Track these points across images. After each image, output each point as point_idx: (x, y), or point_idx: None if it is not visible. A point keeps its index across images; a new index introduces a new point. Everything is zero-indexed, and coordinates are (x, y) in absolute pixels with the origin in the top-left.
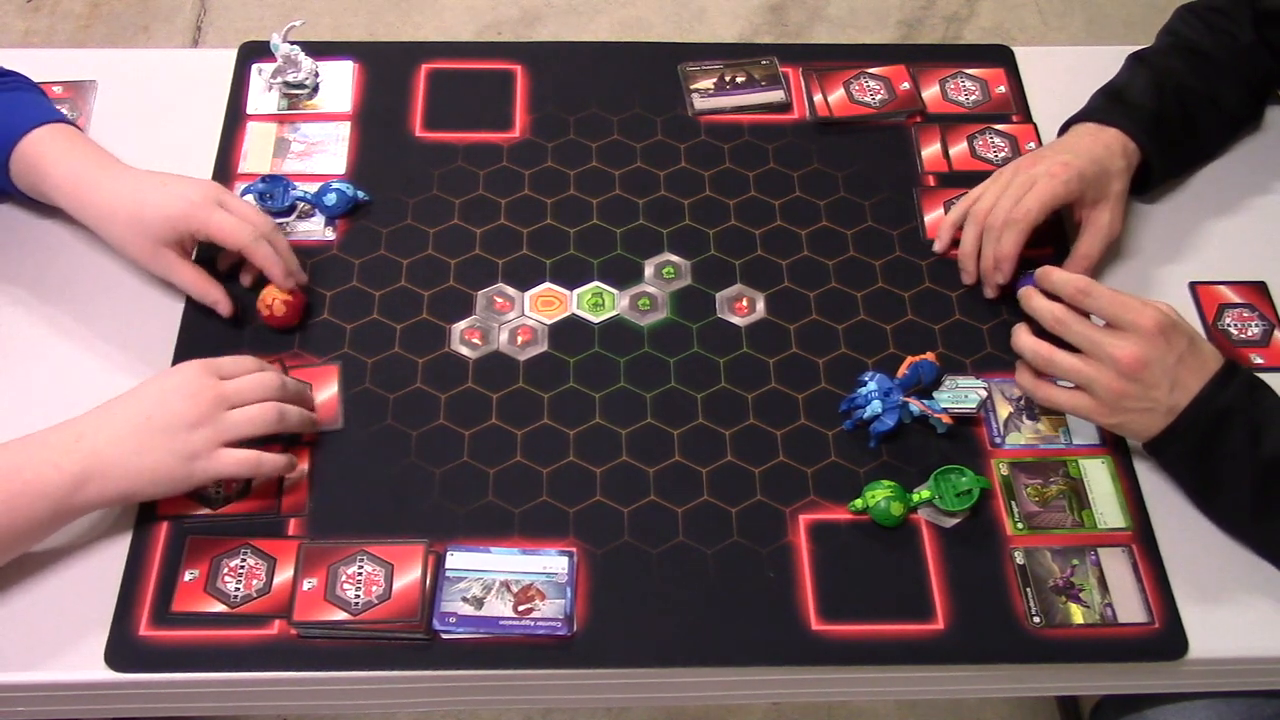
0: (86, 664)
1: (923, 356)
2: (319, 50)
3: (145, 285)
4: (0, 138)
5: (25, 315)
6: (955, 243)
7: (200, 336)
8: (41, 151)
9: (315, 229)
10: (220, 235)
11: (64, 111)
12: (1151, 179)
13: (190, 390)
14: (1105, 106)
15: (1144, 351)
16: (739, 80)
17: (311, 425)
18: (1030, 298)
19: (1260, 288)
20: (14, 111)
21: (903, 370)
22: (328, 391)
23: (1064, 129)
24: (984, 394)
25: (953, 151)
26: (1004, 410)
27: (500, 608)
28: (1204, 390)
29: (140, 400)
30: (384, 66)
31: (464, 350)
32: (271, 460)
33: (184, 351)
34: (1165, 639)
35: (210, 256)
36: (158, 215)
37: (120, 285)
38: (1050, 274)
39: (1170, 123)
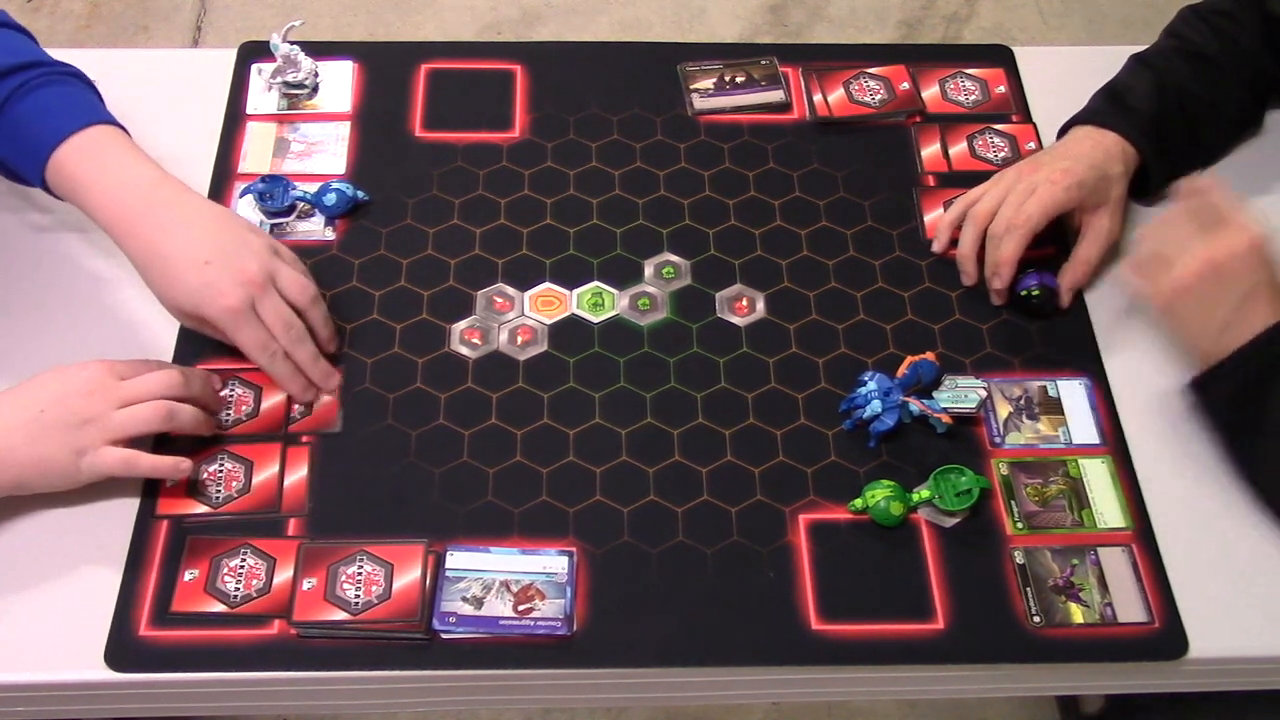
0: (86, 664)
1: (922, 356)
2: (319, 50)
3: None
4: (36, 142)
5: (24, 314)
6: (954, 242)
7: (201, 336)
8: (81, 163)
9: (315, 229)
10: (243, 349)
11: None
12: (1151, 183)
13: (88, 388)
14: (1106, 109)
15: (1234, 252)
16: (739, 80)
17: (206, 425)
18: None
19: None
20: (55, 112)
21: (902, 370)
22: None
23: (1063, 130)
24: (983, 394)
25: (952, 151)
26: (1004, 410)
27: (500, 608)
28: (1266, 332)
29: (37, 393)
30: (384, 66)
31: (464, 350)
32: (149, 462)
33: (184, 350)
34: (1165, 639)
35: None
36: (187, 305)
37: (120, 284)
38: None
39: (1171, 127)
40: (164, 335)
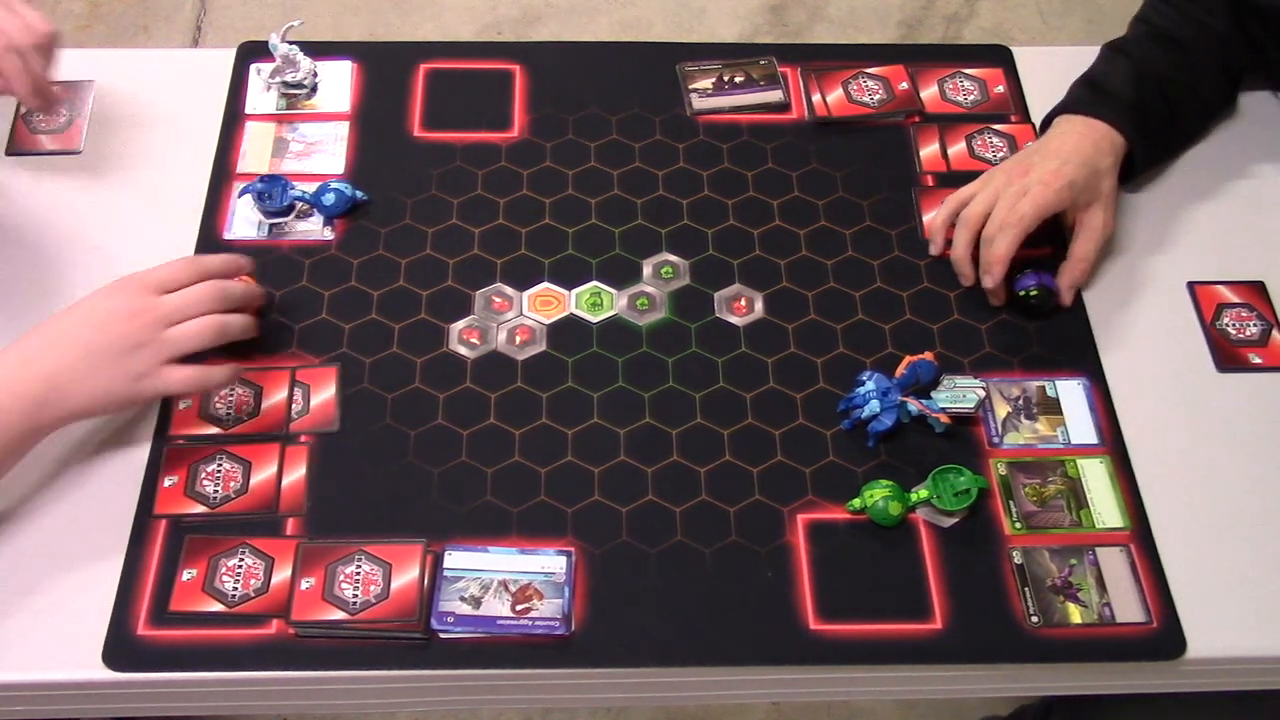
0: (84, 663)
1: (921, 356)
2: (318, 50)
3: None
4: None
5: (22, 314)
6: (949, 243)
7: None
8: None
9: (314, 229)
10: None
11: (63, 112)
12: (1135, 169)
13: (130, 310)
14: (1087, 98)
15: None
16: (737, 80)
17: (254, 329)
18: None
19: (1259, 287)
20: None
21: (901, 370)
22: (325, 393)
23: (1046, 121)
24: (982, 394)
25: (951, 151)
26: (1002, 410)
27: (498, 607)
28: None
29: (83, 322)
30: (382, 66)
31: (462, 350)
32: (218, 374)
33: None
34: (1163, 638)
35: None
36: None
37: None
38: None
39: (1152, 112)
40: None
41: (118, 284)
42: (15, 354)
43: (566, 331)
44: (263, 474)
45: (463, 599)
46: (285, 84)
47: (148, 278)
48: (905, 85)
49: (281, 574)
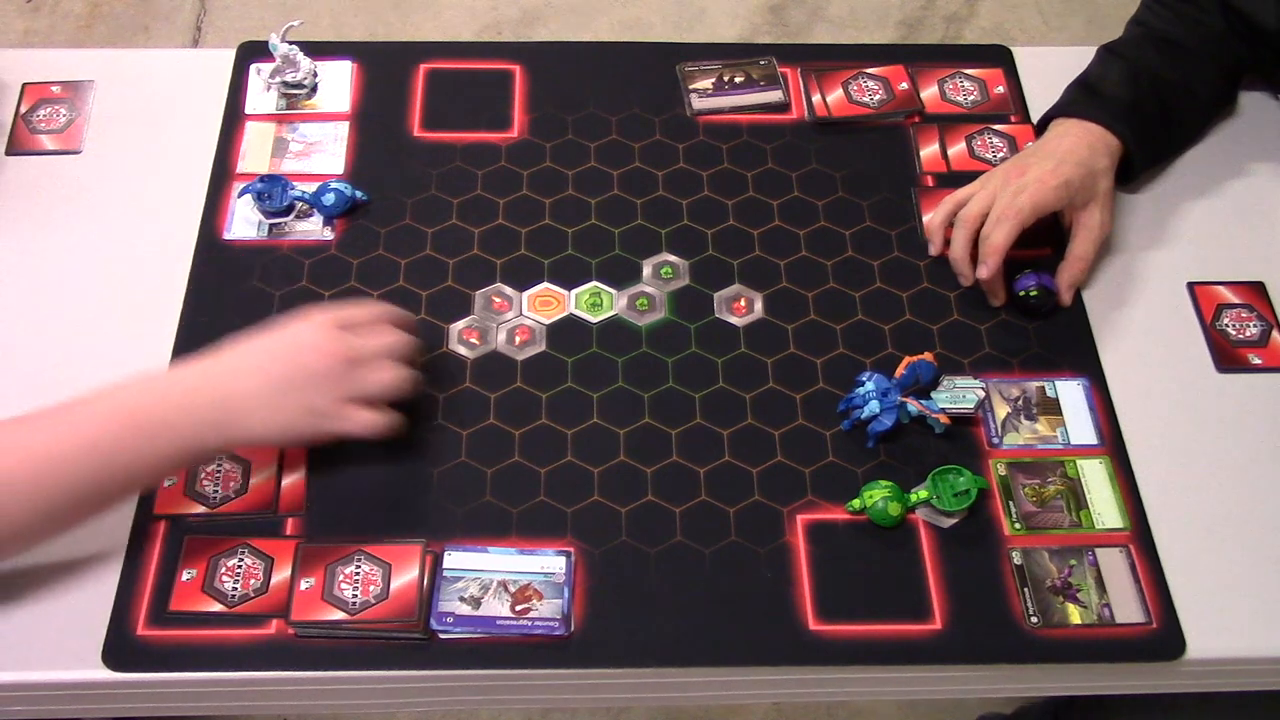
0: (84, 663)
1: (920, 356)
2: (318, 50)
3: (143, 284)
4: None
5: (21, 314)
6: (948, 243)
7: (200, 335)
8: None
9: (313, 229)
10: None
11: (63, 112)
12: (1133, 170)
13: (317, 345)
14: (1082, 100)
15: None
16: (737, 80)
17: (420, 387)
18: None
19: (1259, 288)
20: None
21: (900, 370)
22: None
23: (1042, 123)
24: (982, 394)
25: (951, 152)
26: (1002, 410)
27: (498, 607)
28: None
29: (271, 353)
30: (382, 66)
31: (462, 350)
32: (394, 420)
33: (183, 348)
34: (1163, 639)
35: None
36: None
37: (117, 283)
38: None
39: (1147, 113)
40: (163, 333)
41: (306, 317)
42: (196, 372)
43: (566, 332)
44: (262, 474)
45: (462, 599)
46: (285, 84)
47: (336, 315)
48: (905, 85)
49: (281, 574)
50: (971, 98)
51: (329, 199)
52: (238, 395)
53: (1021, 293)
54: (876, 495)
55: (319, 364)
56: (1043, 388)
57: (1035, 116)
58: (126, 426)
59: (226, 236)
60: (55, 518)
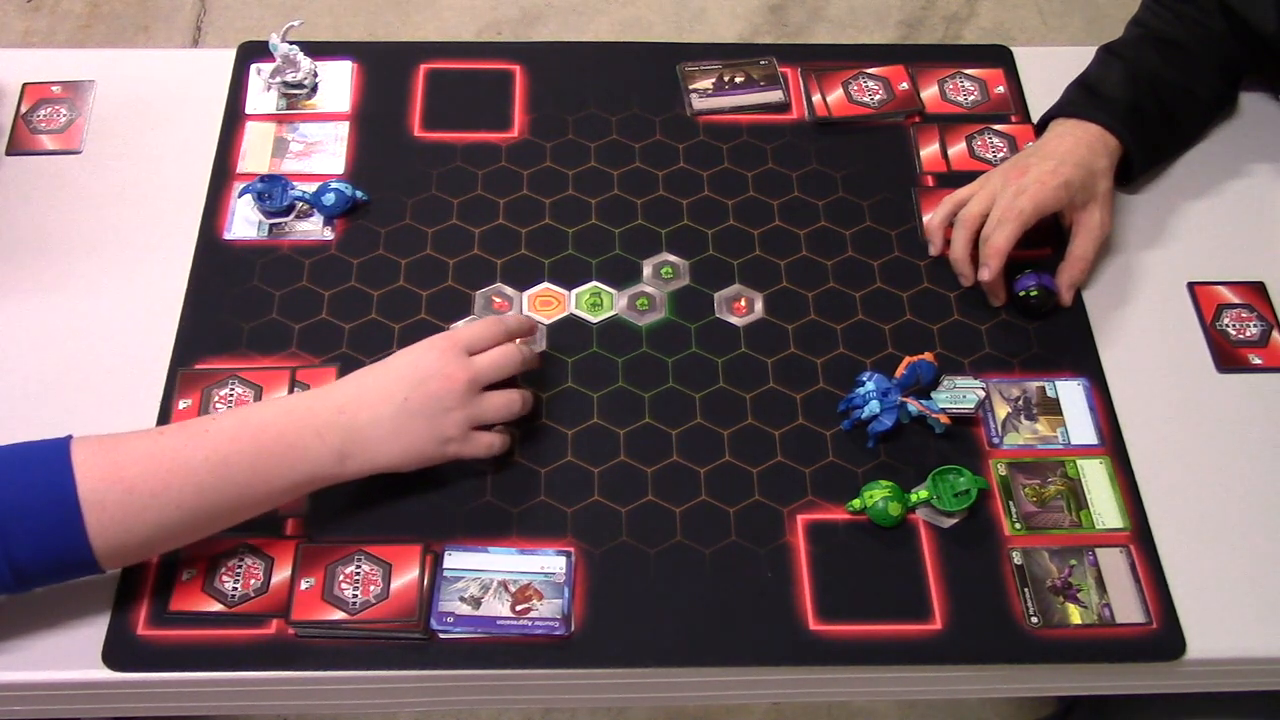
0: (84, 663)
1: (921, 356)
2: (318, 50)
3: (143, 284)
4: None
5: (21, 314)
6: (948, 243)
7: (200, 335)
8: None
9: (314, 229)
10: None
11: (63, 112)
12: (1133, 171)
13: (445, 372)
14: (1081, 101)
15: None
16: (737, 80)
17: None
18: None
19: (1259, 288)
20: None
21: (901, 370)
22: None
23: (1041, 124)
24: (982, 394)
25: (951, 152)
26: (1002, 410)
27: (498, 607)
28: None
29: (397, 379)
30: (383, 66)
31: None
32: (505, 442)
33: (183, 350)
34: (1163, 639)
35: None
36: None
37: (118, 284)
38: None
39: (1147, 114)
40: (163, 334)
41: (430, 343)
42: (329, 399)
43: (566, 331)
44: None
45: (462, 599)
46: (285, 84)
47: (458, 338)
48: (905, 85)
49: (281, 574)
50: (972, 98)
51: (329, 199)
52: (366, 424)
53: (1022, 293)
54: (877, 495)
55: (445, 391)
56: (1043, 388)
57: (1035, 116)
58: (255, 445)
59: (226, 236)
60: (175, 531)
